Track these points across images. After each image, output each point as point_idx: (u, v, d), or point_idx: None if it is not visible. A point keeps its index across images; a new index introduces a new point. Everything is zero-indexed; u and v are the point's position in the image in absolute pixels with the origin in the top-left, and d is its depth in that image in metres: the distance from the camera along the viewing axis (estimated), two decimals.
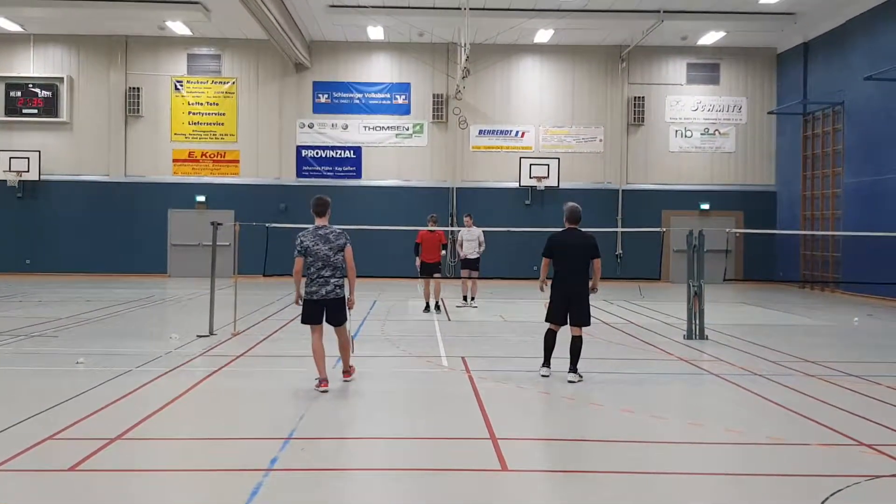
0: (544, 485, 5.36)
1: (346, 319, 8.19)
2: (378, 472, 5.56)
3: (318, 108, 24.17)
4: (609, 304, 16.77)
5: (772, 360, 10.11)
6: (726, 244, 21.43)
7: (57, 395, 7.43)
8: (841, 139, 20.73)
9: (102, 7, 20.87)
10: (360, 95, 24.17)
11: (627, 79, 24.24)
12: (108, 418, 6.71)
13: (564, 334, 8.73)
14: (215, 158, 24.10)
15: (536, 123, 24.27)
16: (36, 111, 23.65)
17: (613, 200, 24.11)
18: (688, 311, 11.82)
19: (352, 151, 24.13)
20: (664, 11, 20.60)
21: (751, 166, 24.44)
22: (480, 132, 24.23)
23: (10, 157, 23.23)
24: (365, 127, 24.13)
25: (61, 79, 23.70)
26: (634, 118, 24.07)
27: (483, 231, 16.07)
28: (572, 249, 8.62)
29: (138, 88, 23.78)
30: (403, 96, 24.19)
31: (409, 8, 20.76)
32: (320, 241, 7.95)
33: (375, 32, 22.77)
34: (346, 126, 24.11)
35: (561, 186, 23.40)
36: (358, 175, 24.09)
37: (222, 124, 24.10)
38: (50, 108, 23.62)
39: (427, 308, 15.07)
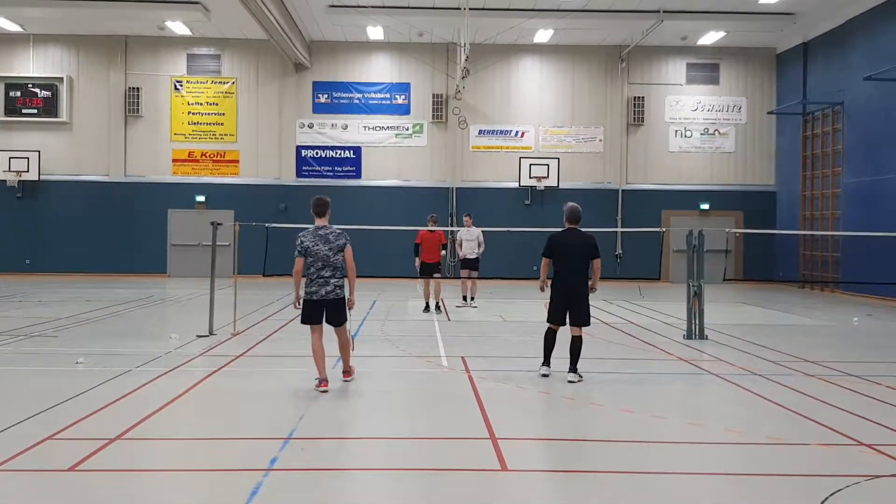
0: (544, 485, 5.36)
1: (346, 320, 8.19)
2: (378, 472, 5.55)
3: (318, 108, 24.17)
4: (609, 303, 16.77)
5: (771, 360, 10.11)
6: (726, 244, 21.44)
7: (57, 395, 7.43)
8: (841, 139, 20.74)
9: (102, 7, 20.87)
10: (359, 95, 24.17)
11: (627, 79, 24.24)
12: (107, 418, 6.71)
13: (564, 334, 8.73)
14: (215, 158, 24.10)
15: (536, 123, 24.27)
16: (36, 111, 23.65)
17: (613, 200, 24.12)
18: (688, 311, 11.82)
19: (351, 151, 24.13)
20: (664, 11, 20.60)
21: (750, 166, 24.44)
22: (480, 132, 24.24)
23: (10, 157, 23.23)
24: (365, 127, 24.13)
25: (61, 79, 23.70)
26: (634, 118, 24.08)
27: (483, 231, 16.08)
28: (572, 249, 8.63)
29: (138, 88, 23.78)
30: (403, 96, 24.19)
31: (408, 8, 20.76)
32: (320, 242, 7.95)
33: (375, 32, 22.77)
34: (346, 126, 24.11)
35: (561, 186, 23.41)
36: (358, 175, 24.09)
37: (222, 124, 24.10)
38: (50, 108, 23.62)
39: (427, 308, 15.07)
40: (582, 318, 8.61)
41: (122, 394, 7.57)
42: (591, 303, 8.76)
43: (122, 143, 23.86)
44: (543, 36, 22.87)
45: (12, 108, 23.60)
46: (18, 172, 23.25)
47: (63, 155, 23.82)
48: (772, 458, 5.89)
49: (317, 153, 24.15)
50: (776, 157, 24.36)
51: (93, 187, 23.78)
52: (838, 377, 8.98)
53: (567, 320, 8.68)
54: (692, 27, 21.96)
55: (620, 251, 23.94)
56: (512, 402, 7.71)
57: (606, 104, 24.26)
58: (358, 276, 8.21)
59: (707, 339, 11.66)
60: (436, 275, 15.13)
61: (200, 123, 24.06)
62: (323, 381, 7.87)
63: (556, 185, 23.47)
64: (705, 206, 24.12)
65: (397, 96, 24.19)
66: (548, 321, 8.81)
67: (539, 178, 23.51)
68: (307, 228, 8.11)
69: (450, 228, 20.03)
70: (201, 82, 24.05)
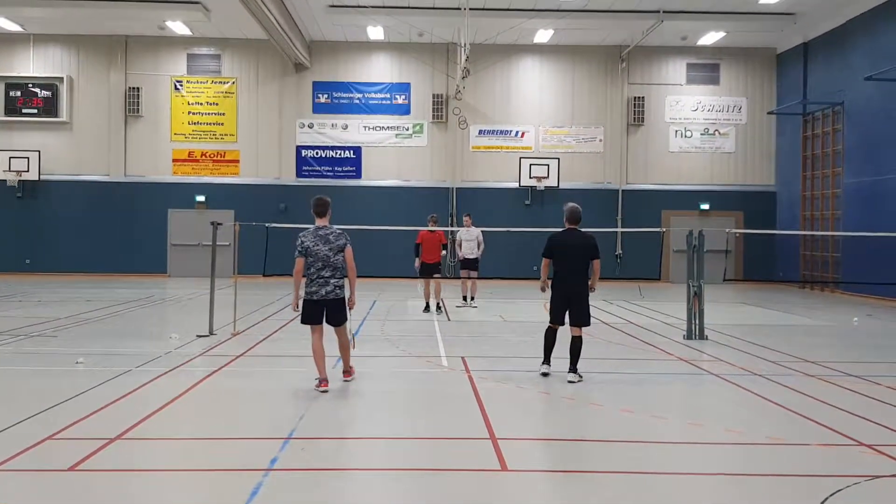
0: (544, 485, 5.36)
1: (346, 320, 8.19)
2: (378, 472, 5.56)
3: (318, 108, 24.17)
4: (609, 304, 16.77)
5: (771, 360, 10.11)
6: (726, 244, 21.43)
7: (57, 395, 7.43)
8: (841, 139, 20.73)
9: (102, 7, 20.88)
10: (359, 95, 24.17)
11: (627, 79, 24.24)
12: (107, 418, 6.71)
13: (564, 335, 8.73)
14: (215, 158, 24.11)
15: (536, 123, 24.27)
16: (36, 111, 23.66)
17: (613, 200, 24.12)
18: (687, 311, 11.82)
19: (352, 151, 24.13)
20: (664, 11, 20.60)
21: (751, 166, 24.44)
22: (480, 132, 24.24)
23: (10, 157, 23.23)
24: (365, 127, 24.14)
25: (61, 79, 23.70)
26: (634, 118, 24.08)
27: (483, 231, 16.08)
28: (572, 250, 8.63)
29: (138, 88, 23.78)
30: (403, 96, 24.19)
31: (409, 8, 20.77)
32: (320, 242, 7.95)
33: (375, 32, 22.77)
34: (346, 126, 24.11)
35: (561, 186, 23.41)
36: (358, 175, 24.09)
37: (222, 124, 24.10)
38: (50, 107, 23.62)
39: (427, 308, 15.07)
40: (582, 318, 8.62)
41: (121, 394, 7.57)
42: (590, 303, 8.77)
43: (122, 143, 23.86)
44: (543, 36, 22.87)
45: (12, 108, 23.60)
46: (18, 172, 23.26)
47: (63, 155, 23.82)
48: (772, 459, 5.88)
49: (317, 153, 24.15)
50: (776, 158, 24.36)
51: (93, 187, 23.78)
52: (838, 377, 8.98)
53: (567, 320, 8.70)
54: (692, 27, 21.96)
55: (620, 251, 23.94)
56: (512, 403, 7.71)
57: (606, 104, 24.26)
58: (358, 277, 8.21)
59: (707, 339, 11.65)
60: (436, 275, 15.13)
61: (200, 123, 24.06)
62: (323, 381, 7.87)
63: (556, 185, 23.48)
64: (705, 207, 24.12)
65: (397, 96, 24.19)
66: (551, 322, 8.83)
67: (539, 179, 23.51)
68: (307, 228, 8.11)
69: (450, 228, 20.03)
70: (201, 82, 24.05)
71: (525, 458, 5.88)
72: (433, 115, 24.02)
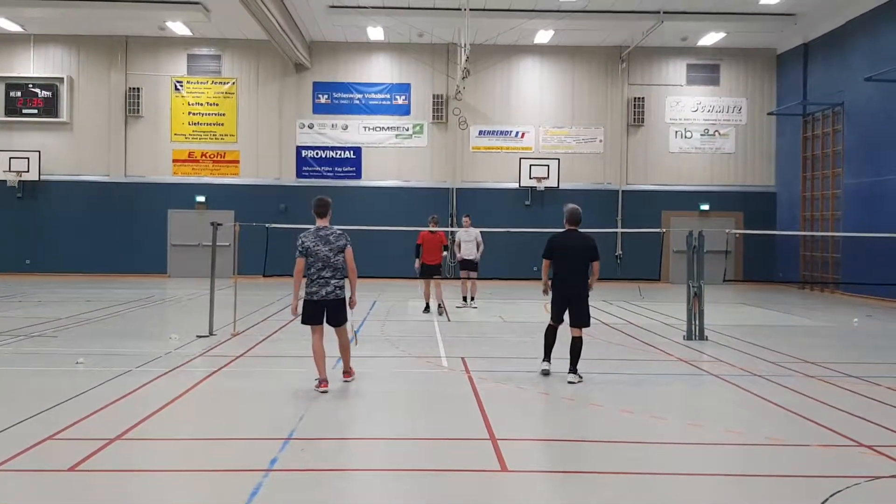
0: (544, 485, 5.37)
1: (346, 320, 8.20)
2: (378, 472, 5.56)
3: (318, 109, 24.17)
4: (609, 304, 16.78)
5: (771, 360, 10.11)
6: (726, 245, 21.37)
7: (57, 395, 7.43)
8: (841, 140, 20.74)
9: (102, 7, 20.88)
10: (359, 96, 24.18)
11: (627, 79, 24.25)
12: (107, 418, 6.71)
13: (565, 335, 8.74)
14: (215, 159, 24.11)
15: (536, 124, 24.28)
16: (36, 111, 23.66)
17: (613, 201, 24.12)
18: (687, 311, 11.82)
19: (352, 152, 24.14)
20: (664, 12, 20.60)
21: (751, 167, 24.45)
22: (480, 133, 24.24)
23: (10, 158, 23.24)
24: (365, 127, 24.14)
25: (61, 79, 23.71)
26: (634, 119, 24.08)
27: (482, 231, 16.07)
28: (572, 251, 8.65)
29: (138, 88, 23.79)
30: (403, 97, 24.20)
31: (409, 8, 20.77)
32: (321, 242, 7.96)
33: (375, 33, 22.78)
34: (346, 126, 24.12)
35: (561, 187, 23.41)
36: (358, 175, 24.10)
37: (222, 124, 24.10)
38: (50, 108, 23.63)
39: (427, 309, 15.07)
40: (582, 318, 8.63)
41: (121, 394, 7.57)
42: (590, 304, 8.78)
43: (122, 144, 23.87)
44: (544, 36, 22.87)
45: (13, 109, 23.61)
46: (19, 172, 23.26)
47: (63, 155, 23.83)
48: (771, 459, 5.89)
49: (317, 153, 24.15)
50: (776, 158, 24.36)
51: (93, 187, 23.78)
52: (838, 378, 8.98)
53: (566, 320, 8.71)
54: (692, 28, 21.96)
55: (620, 252, 23.95)
56: (512, 403, 7.71)
57: (607, 105, 24.27)
58: (358, 277, 8.22)
59: (707, 339, 11.66)
60: (436, 276, 15.12)
61: (201, 124, 24.06)
62: (323, 381, 7.88)
63: (556, 185, 23.48)
64: (705, 207, 24.12)
65: (397, 97, 24.19)
66: (550, 321, 8.85)
67: (539, 179, 23.52)
68: (308, 229, 8.12)
69: (450, 229, 20.03)
70: (201, 82, 24.06)
71: (525, 459, 5.89)
72: (433, 116, 24.02)
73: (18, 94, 23.64)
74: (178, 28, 22.48)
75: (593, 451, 6.21)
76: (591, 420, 7.19)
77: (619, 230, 23.23)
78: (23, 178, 23.35)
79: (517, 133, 24.26)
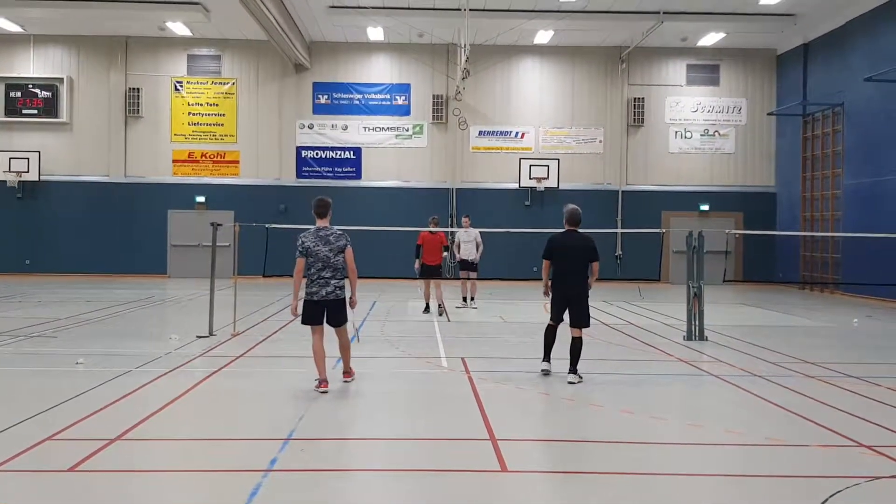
0: (544, 486, 5.36)
1: (346, 320, 8.20)
2: (378, 472, 5.55)
3: (318, 109, 24.18)
4: (609, 304, 16.78)
5: (771, 361, 10.11)
6: (726, 245, 21.36)
7: (56, 395, 7.43)
8: (841, 140, 20.74)
9: (102, 7, 20.88)
10: (359, 96, 24.18)
11: (627, 80, 24.25)
12: (107, 419, 6.71)
13: (565, 335, 8.74)
14: (215, 159, 24.11)
15: (536, 124, 24.28)
16: (36, 111, 23.66)
17: (613, 201, 24.12)
18: (687, 312, 11.82)
19: (351, 152, 24.14)
20: (664, 12, 20.61)
21: (750, 167, 24.45)
22: (480, 133, 24.24)
23: (10, 158, 23.25)
24: (365, 128, 24.14)
25: (61, 79, 23.71)
26: (634, 119, 24.08)
27: (482, 232, 16.07)
28: (572, 252, 8.65)
29: (138, 89, 23.79)
30: (403, 97, 24.20)
31: (408, 9, 20.77)
32: (321, 243, 7.96)
33: (375, 33, 22.78)
34: (346, 127, 24.12)
35: (561, 187, 23.42)
36: (358, 176, 24.10)
37: (222, 125, 24.10)
38: (50, 108, 23.63)
39: (427, 309, 15.07)
40: (581, 319, 8.64)
41: (121, 394, 7.57)
42: (590, 304, 8.78)
43: (122, 144, 23.87)
44: (543, 37, 22.87)
45: (12, 109, 23.61)
46: (18, 173, 23.26)
47: (63, 155, 23.83)
48: (771, 460, 5.88)
49: (317, 154, 24.15)
50: (776, 159, 24.37)
51: (93, 188, 23.78)
52: (838, 378, 8.98)
53: (566, 319, 8.72)
54: (692, 28, 21.96)
55: (620, 252, 23.95)
56: (512, 403, 7.71)
57: (606, 105, 24.27)
58: (358, 277, 8.22)
59: (707, 340, 11.66)
60: (436, 276, 15.11)
61: (200, 124, 24.06)
62: (323, 381, 7.87)
63: (556, 186, 23.48)
64: (705, 208, 24.13)
65: (397, 97, 24.19)
66: (550, 320, 8.85)
67: (539, 179, 23.52)
68: (308, 229, 8.12)
69: (450, 229, 20.02)
70: (201, 83, 24.06)
71: (525, 459, 5.89)
72: (433, 116, 24.02)
73: (18, 94, 23.64)
74: (178, 28, 22.48)
75: (593, 451, 6.21)
76: (591, 420, 7.19)
77: (619, 230, 23.24)
78: (23, 179, 23.35)
79: (517, 133, 24.27)
